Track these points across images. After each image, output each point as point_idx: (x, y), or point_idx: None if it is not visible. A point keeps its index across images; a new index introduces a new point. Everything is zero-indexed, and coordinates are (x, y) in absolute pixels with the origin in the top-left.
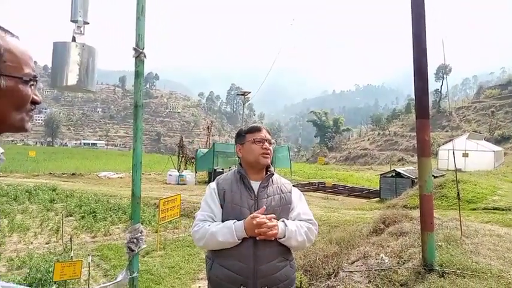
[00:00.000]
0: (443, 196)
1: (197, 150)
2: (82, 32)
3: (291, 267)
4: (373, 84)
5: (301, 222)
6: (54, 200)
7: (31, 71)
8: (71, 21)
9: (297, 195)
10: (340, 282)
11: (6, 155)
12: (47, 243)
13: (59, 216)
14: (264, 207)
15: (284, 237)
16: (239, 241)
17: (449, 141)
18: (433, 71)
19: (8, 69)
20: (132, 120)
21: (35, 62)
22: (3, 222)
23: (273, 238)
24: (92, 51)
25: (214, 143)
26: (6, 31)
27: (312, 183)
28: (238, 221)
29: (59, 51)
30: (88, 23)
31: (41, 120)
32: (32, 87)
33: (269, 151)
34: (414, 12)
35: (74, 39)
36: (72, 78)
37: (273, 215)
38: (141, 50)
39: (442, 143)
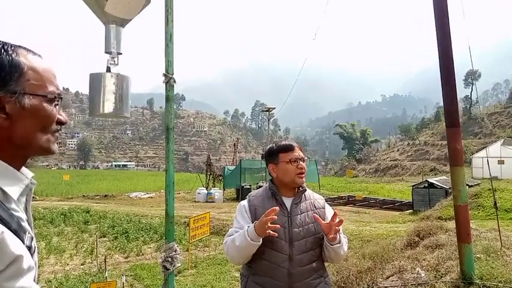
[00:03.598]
0: (479, 206)
1: (224, 167)
2: (116, 63)
3: (326, 284)
4: (399, 94)
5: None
6: (88, 222)
7: (55, 89)
8: (105, 52)
9: (330, 212)
10: None
11: (42, 179)
12: (82, 264)
13: (93, 237)
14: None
15: (339, 243)
16: (252, 242)
17: (483, 148)
18: (461, 77)
19: (32, 88)
20: (160, 141)
21: (67, 89)
22: (40, 245)
23: (305, 252)
24: (125, 79)
25: (241, 160)
26: (28, 50)
27: (342, 197)
28: (272, 238)
29: (96, 81)
30: (121, 54)
31: (74, 144)
32: (57, 106)
33: (304, 170)
34: (438, 18)
35: (108, 70)
36: (108, 107)
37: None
38: (170, 76)
39: (475, 151)
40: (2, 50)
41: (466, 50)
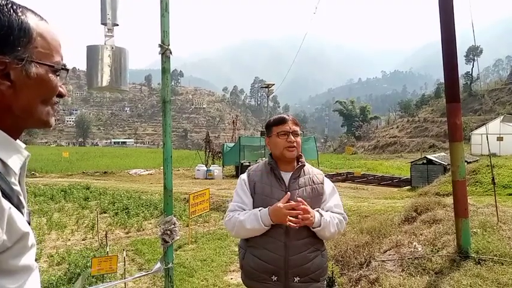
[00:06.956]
0: (477, 182)
1: (223, 144)
2: (112, 34)
3: (323, 257)
4: (400, 70)
5: (333, 214)
6: (88, 198)
7: (60, 60)
8: (101, 23)
9: (329, 187)
10: (372, 271)
11: (41, 156)
12: (83, 240)
13: (93, 213)
14: (299, 199)
15: (319, 226)
16: (266, 227)
17: (483, 125)
18: (463, 53)
19: (39, 56)
20: (159, 118)
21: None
22: (41, 221)
23: (302, 226)
24: (122, 51)
25: (240, 137)
26: (36, 14)
27: (340, 173)
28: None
29: (92, 54)
30: (117, 25)
31: (72, 121)
32: (58, 77)
33: (294, 144)
34: None
35: (105, 42)
36: (105, 80)
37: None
38: (166, 47)
39: (474, 128)
40: (11, 11)
41: (468, 26)
